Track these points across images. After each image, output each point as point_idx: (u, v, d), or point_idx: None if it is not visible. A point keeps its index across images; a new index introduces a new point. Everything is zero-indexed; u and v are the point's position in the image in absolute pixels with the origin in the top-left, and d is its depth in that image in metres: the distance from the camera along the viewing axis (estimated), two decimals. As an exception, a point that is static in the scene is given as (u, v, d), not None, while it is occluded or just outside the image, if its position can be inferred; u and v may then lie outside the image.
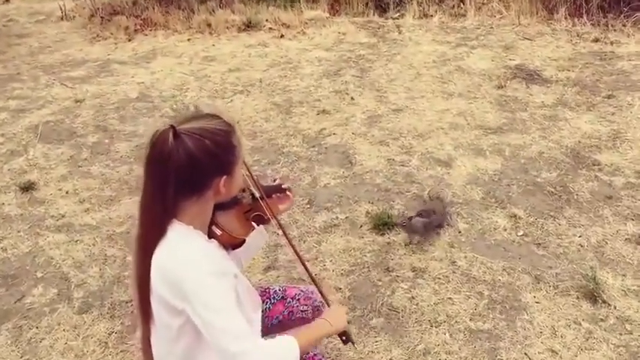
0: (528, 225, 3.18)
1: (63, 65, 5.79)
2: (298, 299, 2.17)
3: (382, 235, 3.14)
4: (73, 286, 2.89)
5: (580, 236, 3.08)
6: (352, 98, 4.70)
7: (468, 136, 4.08)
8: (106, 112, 4.66)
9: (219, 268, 1.59)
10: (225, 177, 1.59)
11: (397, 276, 2.86)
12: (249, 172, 1.96)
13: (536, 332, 2.51)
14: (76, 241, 3.20)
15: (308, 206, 3.41)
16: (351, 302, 2.71)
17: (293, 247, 1.92)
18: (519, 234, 3.12)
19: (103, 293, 2.83)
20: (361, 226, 3.22)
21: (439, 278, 2.83)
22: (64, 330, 2.63)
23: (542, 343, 2.46)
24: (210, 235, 1.73)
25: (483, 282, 2.80)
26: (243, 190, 1.93)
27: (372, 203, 3.40)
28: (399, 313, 2.64)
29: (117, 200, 3.54)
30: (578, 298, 2.69)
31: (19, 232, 3.30)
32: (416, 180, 3.61)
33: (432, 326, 2.56)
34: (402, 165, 3.78)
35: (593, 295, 2.68)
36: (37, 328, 2.66)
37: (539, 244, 3.04)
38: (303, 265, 1.95)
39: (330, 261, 2.97)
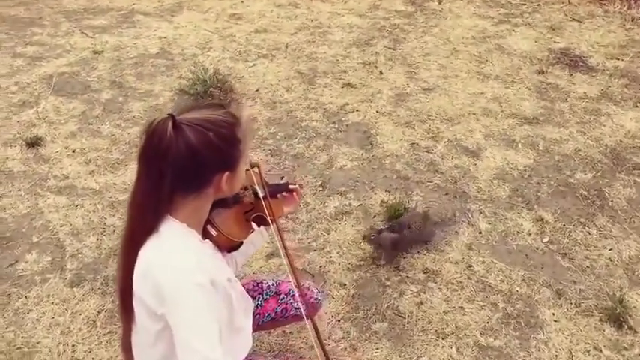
0: (555, 231, 2.94)
1: (86, 12, 5.59)
2: (292, 295, 2.02)
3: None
4: (67, 255, 2.77)
5: (611, 249, 2.84)
6: (381, 72, 4.42)
7: (500, 124, 3.81)
8: (124, 67, 4.47)
9: (210, 277, 1.43)
10: (227, 173, 1.44)
11: (407, 277, 2.67)
12: (259, 169, 1.77)
13: (551, 355, 2.32)
14: (77, 206, 3.07)
15: (321, 189, 3.21)
16: (354, 301, 2.54)
17: (289, 257, 1.75)
18: (544, 240, 2.89)
19: (98, 266, 2.70)
20: (375, 217, 3.02)
21: (452, 283, 2.63)
22: (52, 303, 2.52)
23: (556, 369, 2.27)
24: (205, 234, 1.57)
25: (499, 292, 2.60)
26: (245, 188, 1.75)
27: (389, 192, 3.19)
28: (404, 318, 2.47)
29: (124, 164, 3.38)
30: (601, 320, 2.47)
31: (19, 190, 3.18)
32: (439, 169, 3.38)
33: (438, 337, 2.38)
34: (427, 151, 3.54)
35: (618, 318, 2.46)
36: (25, 297, 2.55)
37: (565, 254, 2.81)
38: (297, 283, 1.79)
39: (338, 253, 2.79)
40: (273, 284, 2.03)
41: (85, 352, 2.30)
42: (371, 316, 2.47)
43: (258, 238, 1.92)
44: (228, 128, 1.42)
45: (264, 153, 3.50)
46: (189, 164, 1.38)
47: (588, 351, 2.34)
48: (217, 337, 1.40)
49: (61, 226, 2.93)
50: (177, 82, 4.20)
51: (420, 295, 2.57)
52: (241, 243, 1.71)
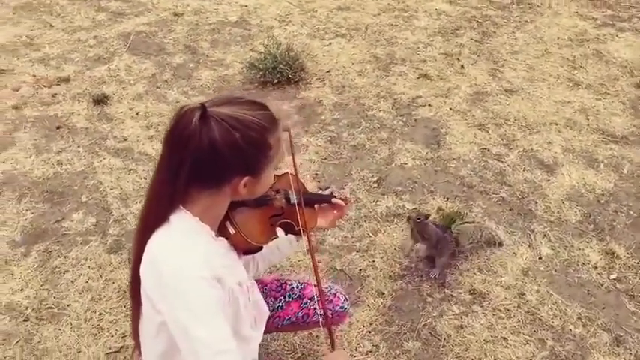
0: (626, 268, 2.65)
1: (175, -29, 5.59)
2: (317, 301, 1.89)
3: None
4: (112, 220, 2.77)
5: (687, 299, 2.54)
6: (462, 66, 4.16)
7: (584, 139, 3.48)
8: (200, 33, 4.43)
9: (215, 274, 1.34)
10: (248, 178, 1.35)
11: (452, 295, 2.48)
12: (295, 171, 1.65)
13: (596, 410, 2.09)
14: (130, 171, 3.07)
15: (375, 186, 3.05)
16: (390, 313, 2.39)
17: (317, 276, 1.62)
18: (611, 277, 2.62)
19: (138, 235, 2.69)
20: (428, 224, 2.83)
21: (499, 310, 2.43)
22: (89, 267, 2.53)
23: None
24: (222, 232, 1.48)
25: (550, 328, 2.37)
26: (277, 191, 1.64)
27: (449, 199, 2.99)
28: (440, 341, 2.30)
29: (182, 133, 3.35)
30: (662, 379, 2.21)
31: (78, 147, 3.22)
32: (507, 181, 3.13)
33: (473, 368, 2.20)
34: (497, 159, 3.29)
35: (682, 381, 2.19)
36: (64, 257, 2.57)
37: (633, 296, 2.53)
38: (322, 305, 1.67)
39: (382, 257, 2.64)
40: (297, 287, 1.92)
41: (110, 322, 2.29)
42: (405, 333, 2.32)
43: (285, 246, 1.81)
44: (258, 131, 1.32)
45: (324, 139, 3.37)
46: (208, 160, 1.29)
47: (641, 412, 2.10)
48: (228, 329, 1.33)
49: (111, 189, 2.94)
50: (249, 54, 4.12)
51: (461, 317, 2.39)
52: (261, 247, 1.61)
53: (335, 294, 1.92)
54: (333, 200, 1.80)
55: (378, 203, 2.94)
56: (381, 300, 2.45)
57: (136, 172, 3.05)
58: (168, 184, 1.34)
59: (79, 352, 2.18)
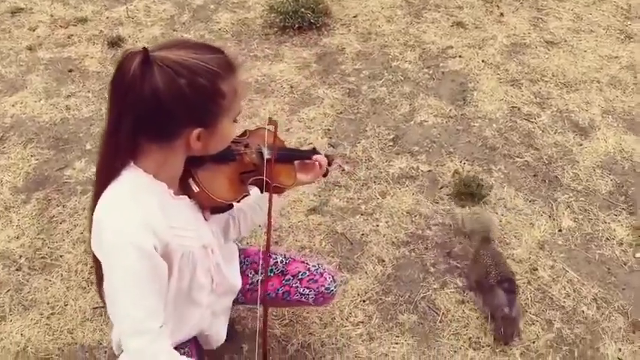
0: (655, 247, 2.43)
1: None
2: (300, 279, 1.80)
3: (462, 207, 2.56)
4: (113, 169, 2.71)
5: None
6: (502, 14, 3.83)
7: (627, 100, 3.16)
8: (225, -28, 4.23)
9: (162, 240, 1.25)
10: (200, 130, 1.22)
11: (457, 266, 2.33)
12: (275, 126, 1.52)
13: (599, 402, 1.94)
14: (137, 118, 2.98)
15: (391, 144, 2.87)
16: (388, 282, 2.26)
17: (268, 232, 1.50)
18: (637, 255, 2.40)
19: (138, 187, 2.63)
20: (442, 188, 2.66)
21: (507, 285, 2.26)
22: (85, 217, 2.49)
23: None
24: (186, 190, 1.37)
25: (561, 308, 2.20)
26: (247, 146, 1.51)
27: (468, 161, 2.78)
28: (438, 315, 2.16)
29: (195, 80, 3.23)
30: (678, 372, 2.02)
31: (88, 92, 3.15)
32: (535, 144, 2.89)
33: (469, 347, 2.06)
34: (527, 119, 3.03)
35: (701, 376, 2.00)
36: (63, 207, 2.54)
37: (659, 278, 2.32)
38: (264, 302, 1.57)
39: (387, 222, 2.49)
40: (282, 262, 1.81)
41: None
42: (401, 304, 2.20)
43: (262, 203, 1.67)
44: (208, 77, 1.18)
45: (342, 92, 3.18)
46: (151, 111, 1.17)
47: (649, 407, 1.93)
48: (154, 306, 1.25)
49: (115, 137, 2.87)
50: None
51: (464, 292, 2.24)
52: (231, 205, 1.49)
53: (322, 273, 1.81)
54: (316, 157, 1.66)
55: (391, 163, 2.77)
56: (381, 268, 2.32)
57: (143, 120, 2.97)
58: (112, 138, 1.23)
59: (66, 305, 2.16)
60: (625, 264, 2.36)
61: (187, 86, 1.16)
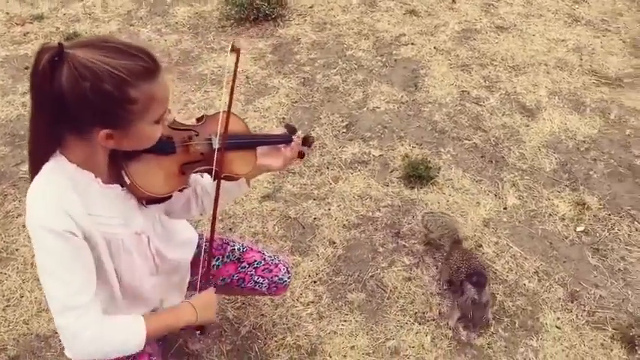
0: (595, 221, 2.53)
1: None
2: (256, 268, 1.86)
3: (411, 188, 2.65)
4: (69, 163, 2.74)
5: (655, 254, 2.42)
6: (454, 1, 3.92)
7: (573, 81, 3.28)
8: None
9: (79, 225, 1.27)
10: (108, 131, 1.22)
11: (404, 246, 2.42)
12: (227, 117, 1.53)
13: (537, 368, 2.04)
14: (93, 113, 3.01)
15: (344, 131, 2.94)
16: (338, 263, 2.34)
17: (213, 224, 1.55)
18: (578, 229, 2.50)
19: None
20: (392, 171, 2.74)
21: (452, 262, 2.35)
22: (41, 211, 2.52)
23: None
24: (120, 179, 1.38)
25: (503, 282, 2.29)
26: (190, 137, 1.49)
27: (418, 144, 2.87)
28: (385, 293, 2.24)
29: (151, 74, 3.26)
30: (612, 338, 2.12)
31: (44, 88, 3.16)
32: (483, 126, 2.98)
33: (415, 321, 2.15)
34: (476, 102, 3.13)
35: (632, 340, 2.10)
36: (19, 201, 2.57)
37: (597, 249, 2.42)
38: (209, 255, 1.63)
39: (338, 206, 2.57)
40: (239, 249, 1.86)
41: (55, 268, 2.30)
42: (350, 284, 2.27)
43: (234, 190, 1.65)
44: (114, 84, 1.16)
45: (297, 81, 3.24)
46: (58, 107, 1.18)
47: (584, 371, 2.03)
48: (80, 282, 1.30)
49: (71, 132, 2.90)
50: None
51: (411, 269, 2.33)
52: (168, 197, 1.51)
53: (277, 264, 1.87)
54: (283, 143, 1.63)
55: (344, 149, 2.84)
56: (332, 250, 2.39)
57: (99, 115, 3.00)
58: (34, 127, 1.26)
59: (22, 297, 2.20)
60: (566, 238, 2.47)
61: (90, 90, 1.15)
